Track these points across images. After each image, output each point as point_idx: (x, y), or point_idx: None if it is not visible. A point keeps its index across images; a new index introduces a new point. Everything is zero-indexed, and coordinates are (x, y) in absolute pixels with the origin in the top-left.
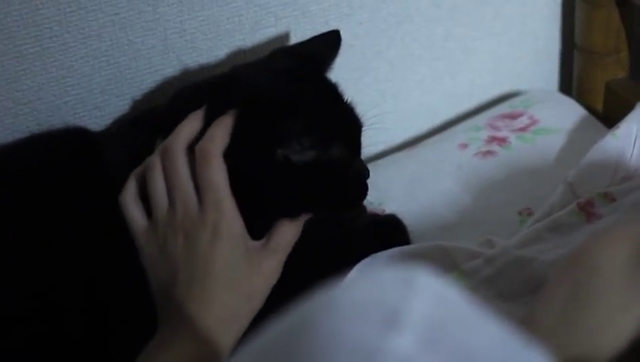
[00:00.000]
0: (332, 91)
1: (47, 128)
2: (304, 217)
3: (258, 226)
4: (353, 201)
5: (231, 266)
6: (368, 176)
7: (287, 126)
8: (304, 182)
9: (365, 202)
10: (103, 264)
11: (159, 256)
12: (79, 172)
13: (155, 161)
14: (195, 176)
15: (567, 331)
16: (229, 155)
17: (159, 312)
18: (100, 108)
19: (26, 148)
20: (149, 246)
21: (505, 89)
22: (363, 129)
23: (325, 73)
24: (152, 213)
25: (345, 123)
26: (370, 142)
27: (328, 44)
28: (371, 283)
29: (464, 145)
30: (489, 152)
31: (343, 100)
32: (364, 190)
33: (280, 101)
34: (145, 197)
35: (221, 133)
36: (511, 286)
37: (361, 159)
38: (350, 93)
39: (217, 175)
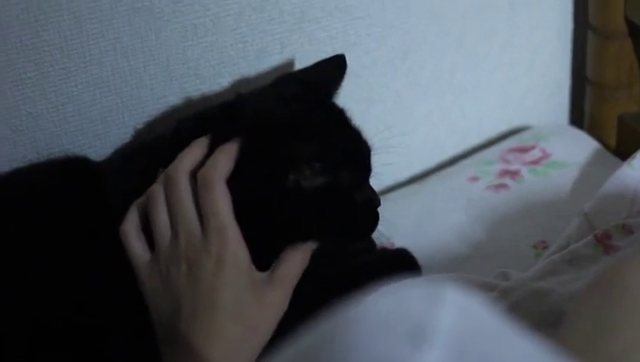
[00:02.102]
0: (340, 116)
1: (46, 157)
2: (311, 247)
3: (264, 256)
4: (364, 229)
5: (236, 297)
6: (379, 204)
7: (298, 150)
8: (314, 208)
9: (376, 233)
10: (103, 296)
11: (162, 289)
12: (79, 202)
13: (157, 189)
14: (198, 204)
15: (597, 353)
16: (234, 183)
17: (162, 346)
18: (100, 137)
19: (26, 177)
20: (151, 279)
21: (514, 123)
22: (372, 154)
23: (332, 98)
24: (155, 244)
25: (354, 147)
26: (375, 178)
27: (334, 68)
28: (396, 298)
29: (475, 179)
30: (501, 185)
31: (351, 125)
32: (375, 218)
33: (289, 125)
34: (147, 229)
35: (224, 159)
36: (528, 320)
37: (371, 187)
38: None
39: (220, 202)
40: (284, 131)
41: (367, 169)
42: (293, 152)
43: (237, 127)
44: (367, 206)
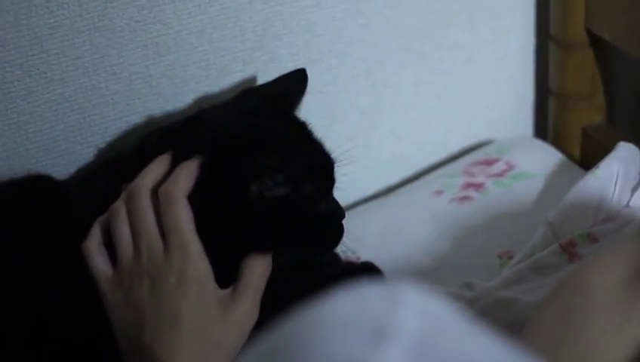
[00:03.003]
0: (301, 129)
1: (9, 177)
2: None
3: (227, 272)
4: (328, 240)
5: (199, 312)
6: (343, 217)
7: (260, 162)
8: (276, 219)
9: (342, 247)
10: (66, 313)
11: (125, 304)
12: (43, 221)
13: (119, 205)
14: (160, 221)
15: (559, 355)
16: (196, 198)
17: (126, 358)
18: (63, 155)
19: None
20: (114, 293)
21: (479, 137)
22: (335, 166)
23: (293, 111)
24: (117, 260)
25: (316, 159)
26: (340, 194)
27: (295, 82)
28: (356, 299)
29: (439, 192)
30: (466, 198)
31: (313, 137)
32: (339, 230)
33: (251, 138)
34: (111, 246)
35: (185, 175)
36: (494, 329)
37: (335, 199)
38: None
39: (182, 217)
40: (245, 144)
41: (330, 180)
42: (255, 165)
43: (199, 142)
44: (331, 218)
